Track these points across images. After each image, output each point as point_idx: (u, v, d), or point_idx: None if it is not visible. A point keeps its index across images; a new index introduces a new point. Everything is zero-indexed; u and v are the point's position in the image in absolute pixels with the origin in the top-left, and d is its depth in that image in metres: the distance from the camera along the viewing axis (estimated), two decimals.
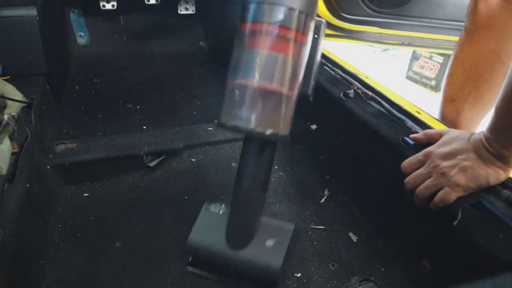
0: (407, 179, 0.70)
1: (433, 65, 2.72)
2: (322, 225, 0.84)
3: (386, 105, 0.87)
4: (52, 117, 1.03)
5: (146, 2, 1.42)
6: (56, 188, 0.88)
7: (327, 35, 1.41)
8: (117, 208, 0.87)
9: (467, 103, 1.03)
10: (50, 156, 0.91)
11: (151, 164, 0.95)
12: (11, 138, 0.75)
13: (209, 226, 0.70)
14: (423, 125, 0.80)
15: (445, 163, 0.65)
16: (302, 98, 0.62)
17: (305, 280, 0.72)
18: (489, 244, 0.58)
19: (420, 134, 0.76)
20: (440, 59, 2.72)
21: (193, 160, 1.00)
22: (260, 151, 0.62)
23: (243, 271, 0.67)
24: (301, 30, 0.56)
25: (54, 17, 1.23)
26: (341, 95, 0.95)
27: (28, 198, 0.70)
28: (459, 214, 0.62)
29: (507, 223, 0.58)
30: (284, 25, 0.55)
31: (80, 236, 0.79)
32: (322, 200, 0.91)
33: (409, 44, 1.60)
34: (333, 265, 0.75)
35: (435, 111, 1.09)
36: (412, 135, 0.77)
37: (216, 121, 1.16)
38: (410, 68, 2.92)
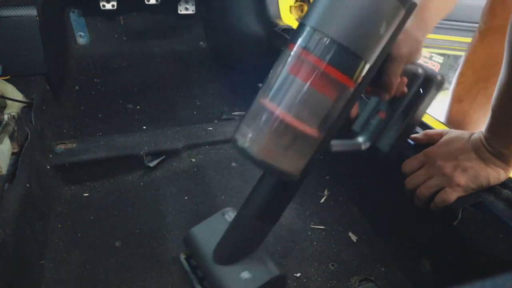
0: (407, 179, 0.70)
1: (433, 65, 2.72)
2: (322, 225, 0.84)
3: None
4: (52, 117, 1.03)
5: (146, 2, 1.42)
6: (56, 188, 0.88)
7: None
8: (117, 208, 0.87)
9: (474, 104, 1.02)
10: (50, 156, 0.91)
11: (151, 164, 0.95)
12: (11, 138, 0.75)
13: (212, 229, 0.69)
14: (423, 125, 0.80)
15: (446, 164, 0.65)
16: (379, 155, 0.61)
17: (305, 280, 0.72)
18: (489, 244, 0.58)
19: (420, 134, 0.76)
20: (440, 59, 2.72)
21: (193, 160, 1.00)
22: (274, 184, 0.59)
23: (214, 285, 0.66)
24: (347, 74, 0.49)
25: (54, 17, 1.23)
26: None
27: (28, 198, 0.70)
28: (459, 214, 0.62)
29: (507, 223, 0.58)
30: (331, 64, 0.48)
31: (80, 236, 0.79)
32: (322, 200, 0.91)
33: None
34: (333, 265, 0.75)
35: (436, 111, 1.09)
36: (412, 135, 0.77)
37: (216, 121, 1.17)
38: None
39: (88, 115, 1.17)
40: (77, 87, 1.30)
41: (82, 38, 1.47)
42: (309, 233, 0.82)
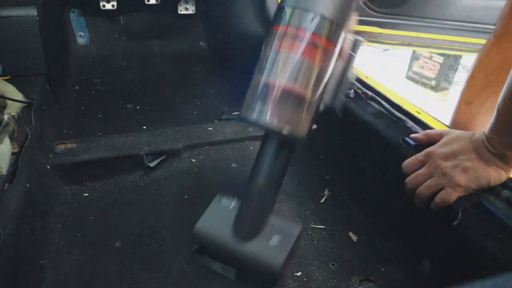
0: (408, 179, 0.70)
1: (433, 65, 2.73)
2: (322, 225, 0.84)
3: (386, 105, 0.87)
4: (52, 117, 1.03)
5: (146, 2, 1.42)
6: (56, 188, 0.88)
7: None
8: (117, 208, 0.87)
9: (483, 108, 1.01)
10: (50, 156, 0.90)
11: (151, 164, 0.95)
12: (11, 138, 0.75)
13: (217, 217, 0.71)
14: (423, 125, 0.80)
15: (446, 164, 0.65)
16: (330, 112, 0.65)
17: (305, 279, 0.72)
18: (489, 244, 0.58)
19: (420, 134, 0.76)
20: (440, 59, 2.72)
21: (193, 160, 1.00)
22: (278, 149, 0.64)
23: (244, 264, 0.67)
24: (330, 40, 0.59)
25: (54, 17, 1.23)
26: None
27: (28, 198, 0.70)
28: (459, 214, 0.62)
29: (507, 223, 0.58)
30: (315, 32, 0.58)
31: (80, 236, 0.79)
32: (322, 200, 0.91)
33: (409, 44, 1.60)
34: (333, 265, 0.75)
35: (435, 111, 1.09)
36: (412, 135, 0.77)
37: (216, 121, 1.17)
38: (410, 68, 2.93)
39: (88, 115, 1.17)
40: (77, 87, 1.30)
41: (82, 38, 1.47)
42: (309, 232, 0.82)
